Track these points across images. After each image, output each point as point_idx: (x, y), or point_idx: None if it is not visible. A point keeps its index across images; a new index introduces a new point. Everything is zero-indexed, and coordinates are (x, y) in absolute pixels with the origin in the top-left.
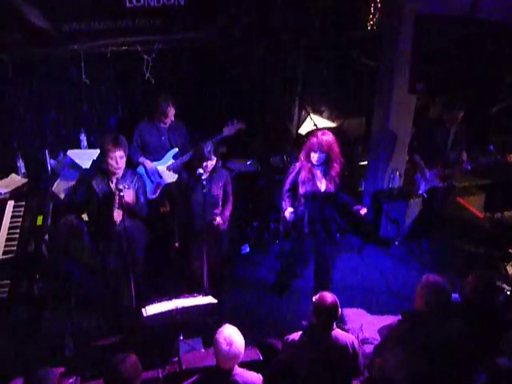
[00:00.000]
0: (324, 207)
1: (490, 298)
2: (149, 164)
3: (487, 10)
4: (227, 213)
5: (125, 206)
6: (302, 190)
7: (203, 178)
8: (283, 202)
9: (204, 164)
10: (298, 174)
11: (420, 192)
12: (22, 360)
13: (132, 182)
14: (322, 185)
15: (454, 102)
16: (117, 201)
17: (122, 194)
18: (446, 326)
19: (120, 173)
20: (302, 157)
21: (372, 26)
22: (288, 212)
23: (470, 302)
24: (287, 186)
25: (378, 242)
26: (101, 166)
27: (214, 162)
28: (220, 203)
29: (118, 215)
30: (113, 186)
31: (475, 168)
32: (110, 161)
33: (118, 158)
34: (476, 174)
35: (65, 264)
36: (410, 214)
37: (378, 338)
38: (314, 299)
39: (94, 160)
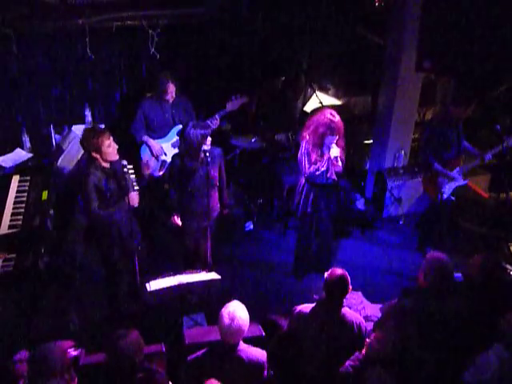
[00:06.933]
0: (331, 187)
1: (494, 277)
2: (152, 143)
3: None
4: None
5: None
6: (310, 170)
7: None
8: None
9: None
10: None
11: (446, 196)
12: (27, 334)
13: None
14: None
15: (463, 98)
16: None
17: None
18: (446, 304)
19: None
20: (310, 139)
21: (379, 2)
22: None
23: (473, 281)
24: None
25: (381, 220)
26: None
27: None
28: (217, 184)
29: None
30: None
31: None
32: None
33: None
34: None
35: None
36: (414, 193)
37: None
38: (325, 274)
39: None
